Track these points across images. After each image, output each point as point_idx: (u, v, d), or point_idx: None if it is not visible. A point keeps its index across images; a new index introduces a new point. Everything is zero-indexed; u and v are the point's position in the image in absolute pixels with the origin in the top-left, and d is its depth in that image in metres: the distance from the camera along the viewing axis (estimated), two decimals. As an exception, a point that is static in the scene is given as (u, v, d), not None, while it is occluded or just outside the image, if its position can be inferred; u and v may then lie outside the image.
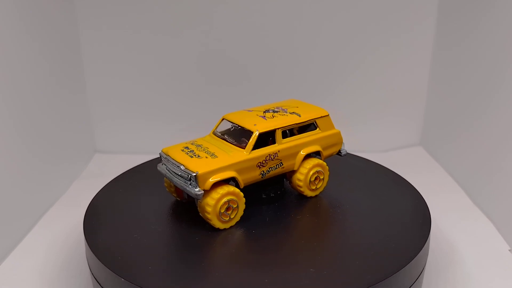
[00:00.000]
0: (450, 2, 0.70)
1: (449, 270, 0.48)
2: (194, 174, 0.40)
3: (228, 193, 0.41)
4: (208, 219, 0.41)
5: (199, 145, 0.44)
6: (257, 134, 0.43)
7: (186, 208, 0.46)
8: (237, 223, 0.43)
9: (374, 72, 0.76)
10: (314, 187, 0.47)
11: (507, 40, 0.57)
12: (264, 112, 0.47)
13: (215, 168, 0.41)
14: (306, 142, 0.46)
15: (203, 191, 0.40)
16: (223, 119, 0.46)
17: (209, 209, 0.40)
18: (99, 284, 0.39)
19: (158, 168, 0.45)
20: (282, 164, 0.45)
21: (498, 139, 0.58)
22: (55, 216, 0.59)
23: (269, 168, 0.44)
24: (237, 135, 0.44)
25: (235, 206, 0.42)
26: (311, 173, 0.46)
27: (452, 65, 0.70)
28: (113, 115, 0.77)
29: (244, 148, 0.43)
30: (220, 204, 0.41)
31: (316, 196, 0.48)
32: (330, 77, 0.76)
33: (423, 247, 0.39)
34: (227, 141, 0.44)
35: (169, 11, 0.72)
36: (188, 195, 0.44)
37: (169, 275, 0.36)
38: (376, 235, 0.41)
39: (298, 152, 0.46)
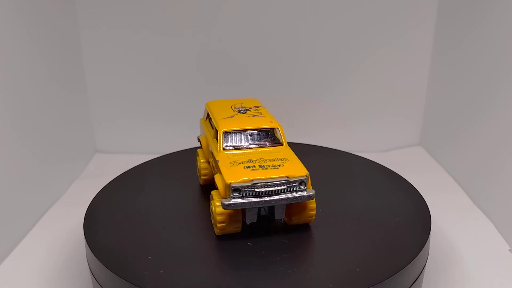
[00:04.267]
0: (450, 3, 0.70)
1: (449, 270, 0.48)
2: (305, 176, 0.39)
3: None
4: (312, 216, 0.41)
5: (251, 160, 0.41)
6: (282, 128, 0.44)
7: (186, 209, 0.46)
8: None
9: (374, 72, 0.76)
10: None
11: (506, 40, 0.57)
12: (243, 113, 0.47)
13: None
14: None
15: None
16: (224, 132, 0.43)
17: (315, 205, 0.41)
18: (99, 284, 0.39)
19: (231, 206, 0.38)
20: None
21: (498, 139, 0.58)
22: (55, 216, 0.59)
23: None
24: (256, 138, 0.44)
25: None
26: None
27: (451, 65, 0.70)
28: (113, 115, 0.77)
29: (281, 145, 0.43)
30: None
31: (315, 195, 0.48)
32: (330, 77, 0.76)
33: (423, 247, 0.39)
34: (257, 147, 0.43)
35: (169, 11, 0.72)
36: (253, 217, 0.41)
37: (169, 276, 0.36)
38: (375, 235, 0.41)
39: None
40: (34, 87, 0.60)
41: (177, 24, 0.73)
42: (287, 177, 0.39)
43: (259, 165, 0.40)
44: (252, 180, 0.38)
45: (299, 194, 0.39)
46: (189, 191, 0.50)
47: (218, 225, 0.40)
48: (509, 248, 0.51)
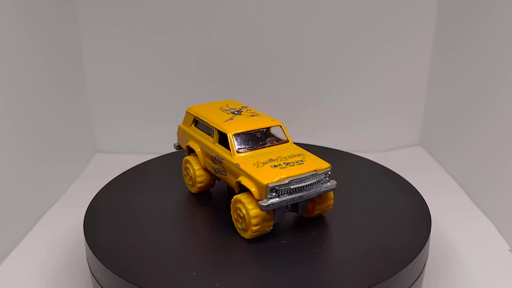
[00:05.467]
0: (450, 3, 0.70)
1: (449, 270, 0.48)
2: (329, 167, 0.40)
3: None
4: (330, 205, 0.43)
5: (271, 159, 0.41)
6: (283, 125, 0.45)
7: (186, 209, 0.46)
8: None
9: (374, 72, 0.76)
10: None
11: (506, 40, 0.57)
12: (238, 114, 0.47)
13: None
14: None
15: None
16: (233, 134, 0.43)
17: (332, 195, 0.42)
18: (99, 284, 0.39)
19: (269, 206, 0.38)
20: None
21: (498, 138, 0.58)
22: (55, 216, 0.59)
23: None
24: (262, 137, 0.44)
25: None
26: None
27: (451, 65, 0.70)
28: (113, 115, 0.77)
29: (287, 142, 0.44)
30: None
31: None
32: (330, 77, 0.76)
33: (423, 247, 0.39)
34: (269, 146, 0.43)
35: (169, 11, 0.72)
36: (281, 216, 0.41)
37: (169, 275, 0.36)
38: (376, 235, 0.41)
39: None
40: (34, 87, 0.60)
41: (177, 24, 0.73)
42: (315, 170, 0.39)
43: (284, 163, 0.40)
44: (287, 178, 0.38)
45: (325, 185, 0.40)
46: (189, 191, 0.50)
47: (253, 228, 0.39)
48: (509, 248, 0.51)
